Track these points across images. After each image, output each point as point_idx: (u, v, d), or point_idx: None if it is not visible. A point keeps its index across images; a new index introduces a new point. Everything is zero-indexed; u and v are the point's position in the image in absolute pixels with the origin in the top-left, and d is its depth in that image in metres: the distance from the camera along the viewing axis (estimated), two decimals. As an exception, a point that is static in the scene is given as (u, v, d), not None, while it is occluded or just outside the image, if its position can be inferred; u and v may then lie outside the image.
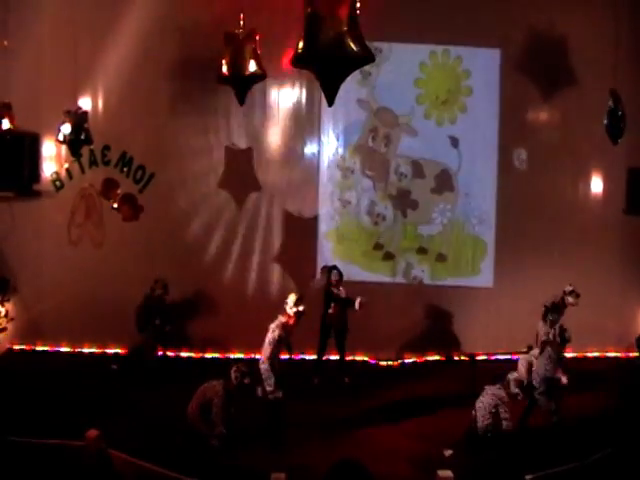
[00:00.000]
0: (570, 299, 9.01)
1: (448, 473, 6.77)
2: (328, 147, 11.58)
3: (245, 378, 7.86)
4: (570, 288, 9.09)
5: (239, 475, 7.19)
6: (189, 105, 11.17)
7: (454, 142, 11.59)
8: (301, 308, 8.21)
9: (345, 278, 10.40)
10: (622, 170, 11.10)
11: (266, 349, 8.08)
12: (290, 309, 8.19)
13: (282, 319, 8.22)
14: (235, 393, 7.87)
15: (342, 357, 10.33)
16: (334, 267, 10.36)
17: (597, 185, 11.73)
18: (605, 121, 9.21)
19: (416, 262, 11.61)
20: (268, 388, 8.07)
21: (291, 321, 8.22)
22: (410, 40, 11.36)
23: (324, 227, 11.59)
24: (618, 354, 11.02)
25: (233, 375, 7.86)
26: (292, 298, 8.26)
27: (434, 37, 11.34)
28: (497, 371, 8.94)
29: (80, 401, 8.80)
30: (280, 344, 8.20)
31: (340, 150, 11.60)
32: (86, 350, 11.25)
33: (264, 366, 8.05)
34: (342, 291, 10.12)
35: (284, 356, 8.53)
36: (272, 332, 8.14)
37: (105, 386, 9.51)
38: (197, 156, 11.33)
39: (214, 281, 11.18)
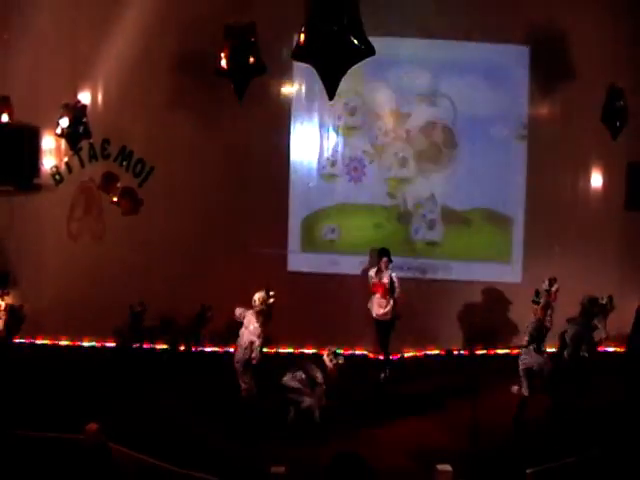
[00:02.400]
0: (543, 286, 9.03)
1: (447, 467, 6.78)
2: (328, 142, 11.57)
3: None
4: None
5: (239, 468, 7.19)
6: (188, 98, 11.13)
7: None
8: (271, 301, 8.32)
9: (348, 270, 10.33)
10: (622, 165, 11.11)
11: (254, 353, 8.29)
12: (260, 307, 8.28)
13: (256, 327, 8.34)
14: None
15: (386, 353, 10.19)
16: (384, 251, 10.12)
17: (597, 180, 11.72)
18: (601, 116, 9.24)
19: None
20: (243, 385, 8.19)
21: (262, 319, 8.33)
22: (420, 35, 11.29)
23: (325, 221, 11.57)
24: (617, 349, 11.00)
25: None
26: (258, 296, 8.33)
27: (441, 32, 11.27)
28: (497, 366, 9.04)
29: (80, 394, 8.80)
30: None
31: (340, 145, 11.57)
32: (86, 344, 11.26)
33: (241, 365, 8.28)
34: (386, 278, 9.93)
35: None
36: (256, 337, 8.28)
37: (105, 380, 9.50)
38: (196, 150, 11.30)
39: (213, 275, 11.17)
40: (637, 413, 8.28)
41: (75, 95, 10.12)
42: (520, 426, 8.42)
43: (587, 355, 9.18)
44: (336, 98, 6.03)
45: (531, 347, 8.56)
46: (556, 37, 11.19)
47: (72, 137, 9.82)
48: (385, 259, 10.02)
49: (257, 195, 11.35)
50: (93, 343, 11.23)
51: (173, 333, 10.70)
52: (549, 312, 8.65)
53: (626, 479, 6.61)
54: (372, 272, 10.14)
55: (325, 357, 8.33)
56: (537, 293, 8.80)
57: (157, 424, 8.18)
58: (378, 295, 10.00)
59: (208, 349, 11.11)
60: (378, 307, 10.01)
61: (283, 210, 11.51)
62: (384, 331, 10.15)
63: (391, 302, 9.95)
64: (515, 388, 8.87)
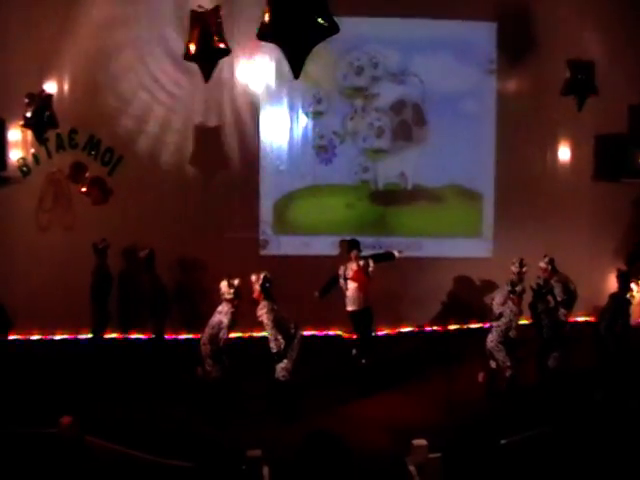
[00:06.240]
0: (513, 268, 9.16)
1: (422, 442, 6.82)
2: (299, 123, 11.54)
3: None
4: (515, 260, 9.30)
5: (215, 454, 7.19)
6: (156, 84, 11.03)
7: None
8: (232, 290, 8.28)
9: (317, 251, 10.28)
10: (590, 137, 11.23)
11: (222, 333, 8.25)
12: (228, 294, 8.26)
13: (228, 308, 8.31)
14: None
15: (365, 336, 9.78)
16: (354, 242, 9.79)
17: (565, 153, 11.84)
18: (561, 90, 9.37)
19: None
20: (208, 368, 8.19)
21: (235, 303, 8.31)
22: (388, 14, 11.20)
23: (298, 201, 11.57)
24: (588, 318, 11.15)
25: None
26: (224, 284, 8.32)
27: (409, 10, 11.22)
28: (469, 342, 9.09)
29: (53, 388, 8.73)
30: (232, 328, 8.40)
31: (310, 125, 11.55)
32: (58, 337, 11.16)
33: (208, 347, 8.21)
34: (361, 264, 9.58)
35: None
36: (225, 316, 8.26)
37: (78, 373, 9.37)
38: (165, 135, 11.22)
39: (186, 263, 11.13)
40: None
41: (41, 86, 9.95)
42: (494, 397, 8.54)
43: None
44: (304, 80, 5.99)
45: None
46: (523, 13, 11.25)
47: (37, 127, 9.67)
48: (355, 251, 9.69)
49: (228, 179, 11.32)
50: (65, 336, 11.12)
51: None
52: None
53: (600, 447, 6.73)
54: (342, 269, 9.74)
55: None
56: (512, 284, 8.76)
57: (132, 412, 8.19)
58: (353, 288, 9.62)
59: (182, 336, 11.08)
60: (356, 300, 9.65)
61: (254, 193, 11.48)
62: (367, 317, 9.74)
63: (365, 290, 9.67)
64: (481, 375, 8.86)
